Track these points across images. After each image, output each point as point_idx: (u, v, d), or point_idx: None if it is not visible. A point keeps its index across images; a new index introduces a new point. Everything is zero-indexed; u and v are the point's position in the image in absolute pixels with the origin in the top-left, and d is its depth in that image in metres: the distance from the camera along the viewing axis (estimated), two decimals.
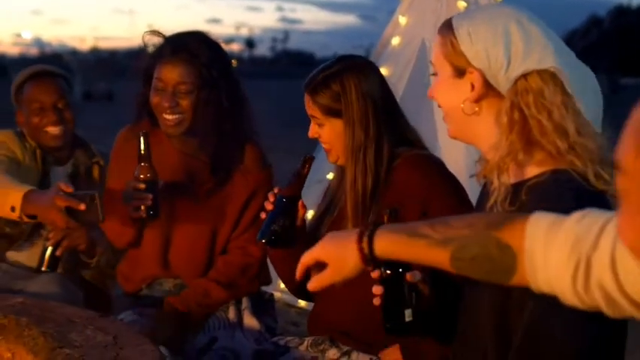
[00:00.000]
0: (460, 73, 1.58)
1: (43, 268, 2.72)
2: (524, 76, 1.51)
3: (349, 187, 2.16)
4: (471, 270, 1.31)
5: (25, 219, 2.38)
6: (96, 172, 3.00)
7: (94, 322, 1.88)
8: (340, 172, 2.30)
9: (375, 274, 1.64)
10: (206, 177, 2.53)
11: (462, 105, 1.58)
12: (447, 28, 1.60)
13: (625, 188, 0.72)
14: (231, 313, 2.52)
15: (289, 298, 4.38)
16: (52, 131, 2.85)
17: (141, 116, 2.56)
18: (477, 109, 1.57)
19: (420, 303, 1.68)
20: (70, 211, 2.25)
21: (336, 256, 1.48)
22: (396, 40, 4.44)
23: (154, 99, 2.43)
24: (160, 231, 2.54)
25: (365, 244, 1.42)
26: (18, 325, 1.88)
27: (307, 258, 1.53)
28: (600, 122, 1.56)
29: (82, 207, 2.23)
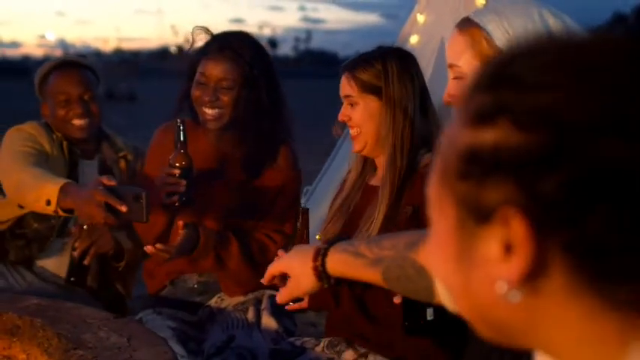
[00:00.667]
0: None
1: (72, 279, 2.71)
2: None
3: (388, 164, 2.14)
4: (400, 289, 1.31)
5: (61, 213, 2.32)
6: (122, 166, 2.95)
7: (108, 324, 1.87)
8: (360, 165, 2.28)
9: None
10: (238, 171, 2.57)
11: None
12: (470, 25, 1.55)
13: (430, 216, 0.70)
14: (250, 314, 2.53)
15: None
16: (78, 123, 2.78)
17: (181, 110, 2.59)
18: None
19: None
20: (111, 207, 2.18)
21: (296, 272, 1.53)
22: (414, 39, 4.41)
23: (196, 92, 2.49)
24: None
25: (319, 263, 1.47)
26: (32, 326, 1.89)
27: (273, 269, 1.60)
28: None
29: (124, 209, 2.16)
